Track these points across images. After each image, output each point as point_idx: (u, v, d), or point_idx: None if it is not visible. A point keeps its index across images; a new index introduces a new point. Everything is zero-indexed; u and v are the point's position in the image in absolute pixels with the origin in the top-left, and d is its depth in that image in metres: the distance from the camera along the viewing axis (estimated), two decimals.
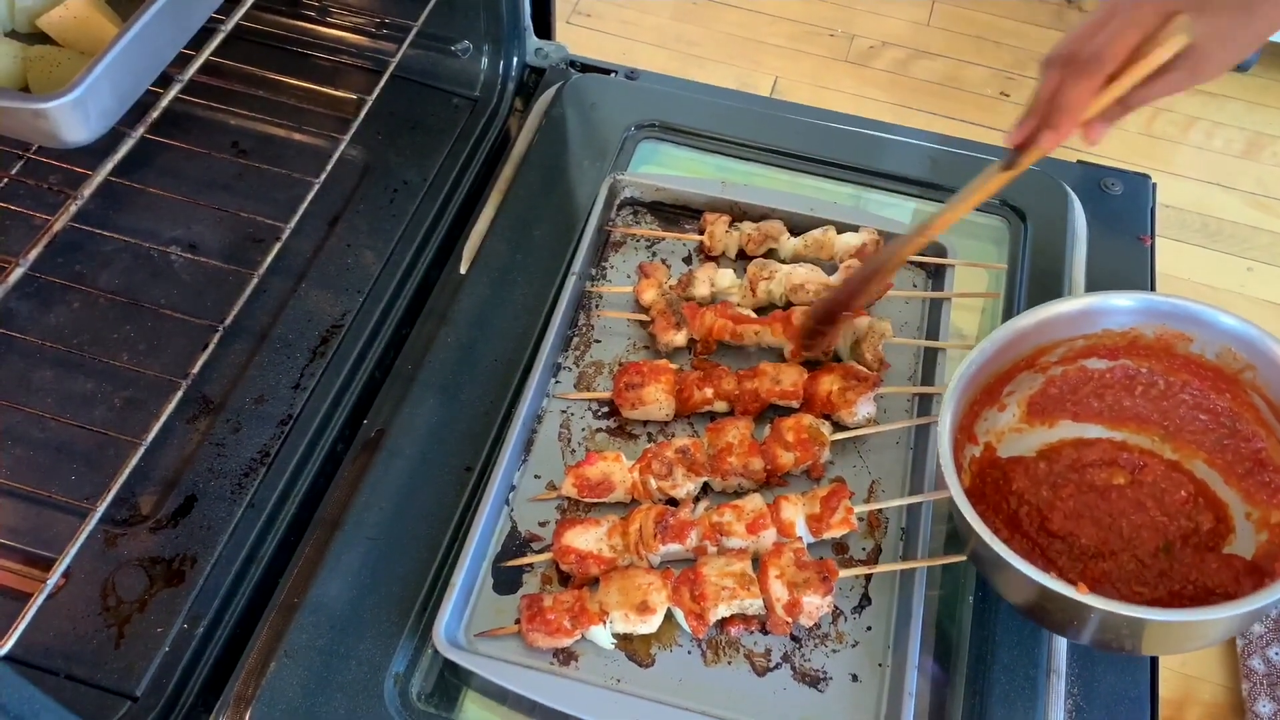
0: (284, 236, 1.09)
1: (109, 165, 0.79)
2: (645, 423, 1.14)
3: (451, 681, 0.98)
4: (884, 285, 1.16)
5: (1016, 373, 1.06)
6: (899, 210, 1.37)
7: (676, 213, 1.34)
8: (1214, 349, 1.00)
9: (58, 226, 0.80)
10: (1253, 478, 1.00)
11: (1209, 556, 0.96)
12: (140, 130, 0.82)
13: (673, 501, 1.06)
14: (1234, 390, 1.01)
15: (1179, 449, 1.05)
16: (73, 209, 0.78)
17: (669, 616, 0.98)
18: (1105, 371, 1.06)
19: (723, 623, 0.99)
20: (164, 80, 0.88)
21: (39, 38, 0.93)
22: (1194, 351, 1.02)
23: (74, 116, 0.71)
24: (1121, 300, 1.02)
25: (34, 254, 0.82)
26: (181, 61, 0.90)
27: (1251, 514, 0.99)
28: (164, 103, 0.82)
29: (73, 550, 0.88)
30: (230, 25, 0.88)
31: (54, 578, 0.87)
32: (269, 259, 1.09)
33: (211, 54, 0.89)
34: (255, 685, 0.94)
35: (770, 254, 1.28)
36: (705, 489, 1.08)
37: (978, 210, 1.35)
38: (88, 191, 0.78)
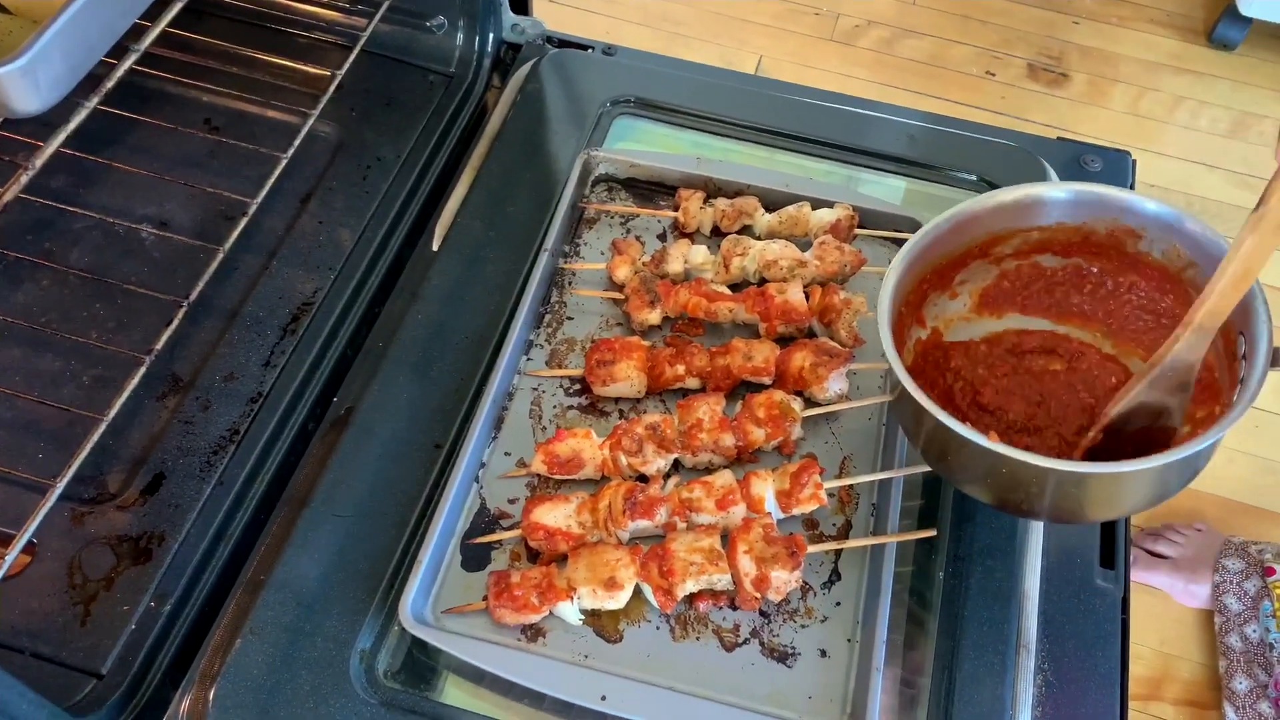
0: (250, 212, 1.08)
1: (61, 136, 0.77)
2: (617, 400, 1.13)
3: (420, 659, 0.98)
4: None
5: (970, 260, 1.06)
6: (879, 188, 1.36)
7: (651, 189, 1.33)
8: (1161, 246, 1.00)
9: (8, 196, 0.79)
10: None
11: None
12: (95, 100, 0.81)
13: (643, 478, 1.05)
14: (1177, 290, 1.01)
15: (1119, 345, 1.06)
16: (23, 179, 0.77)
17: (637, 592, 0.98)
18: (1057, 269, 1.07)
19: (691, 598, 0.99)
20: (122, 52, 0.87)
21: None
22: (1142, 250, 1.01)
23: (23, 84, 0.70)
24: (1063, 192, 1.02)
25: None
26: (141, 33, 0.89)
27: None
28: (119, 73, 0.81)
29: (32, 526, 0.87)
30: None
31: (13, 554, 0.86)
32: (235, 235, 1.08)
33: (185, 30, 0.88)
34: (220, 662, 0.94)
35: (745, 230, 1.27)
36: (676, 465, 1.08)
37: (954, 186, 1.35)
38: (39, 162, 0.77)
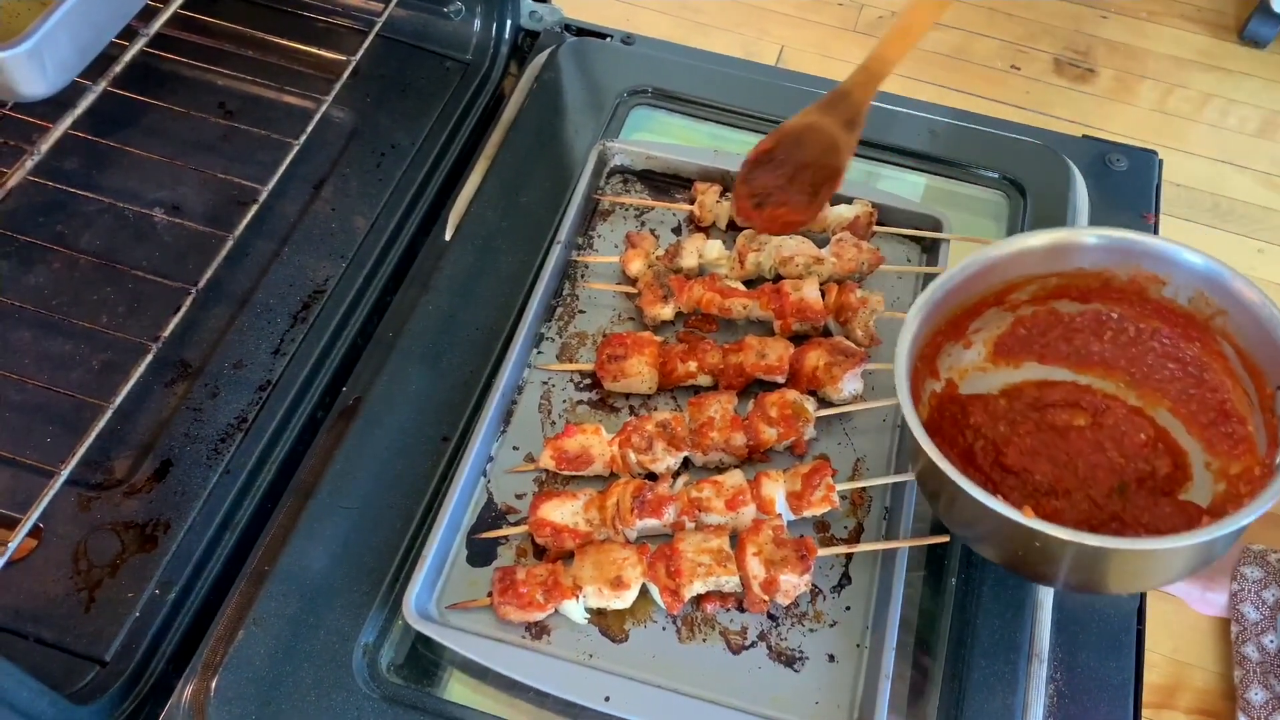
0: (261, 198, 1.07)
1: (68, 120, 0.76)
2: (627, 395, 1.12)
3: (423, 654, 0.97)
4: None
5: (985, 308, 1.02)
6: (901, 184, 1.33)
7: (667, 182, 1.31)
8: (1187, 293, 0.97)
9: (13, 181, 0.78)
10: (1216, 428, 0.97)
11: (1164, 501, 0.93)
12: (103, 84, 0.79)
13: (652, 476, 1.04)
14: (1204, 338, 0.98)
15: (1144, 396, 1.02)
16: (29, 164, 0.76)
17: (644, 592, 0.96)
18: (1076, 315, 1.03)
19: (698, 599, 0.97)
20: (133, 35, 0.86)
21: None
22: (1166, 295, 0.98)
23: (29, 68, 0.69)
24: (1090, 237, 0.98)
25: None
26: (153, 15, 0.88)
27: (1211, 464, 0.97)
28: (129, 56, 0.80)
29: (36, 512, 0.87)
30: None
31: (17, 539, 0.85)
32: (245, 221, 1.07)
33: (200, 13, 0.87)
34: (223, 653, 0.93)
35: None
36: (686, 464, 1.06)
37: (975, 184, 1.33)
38: (45, 146, 0.76)
